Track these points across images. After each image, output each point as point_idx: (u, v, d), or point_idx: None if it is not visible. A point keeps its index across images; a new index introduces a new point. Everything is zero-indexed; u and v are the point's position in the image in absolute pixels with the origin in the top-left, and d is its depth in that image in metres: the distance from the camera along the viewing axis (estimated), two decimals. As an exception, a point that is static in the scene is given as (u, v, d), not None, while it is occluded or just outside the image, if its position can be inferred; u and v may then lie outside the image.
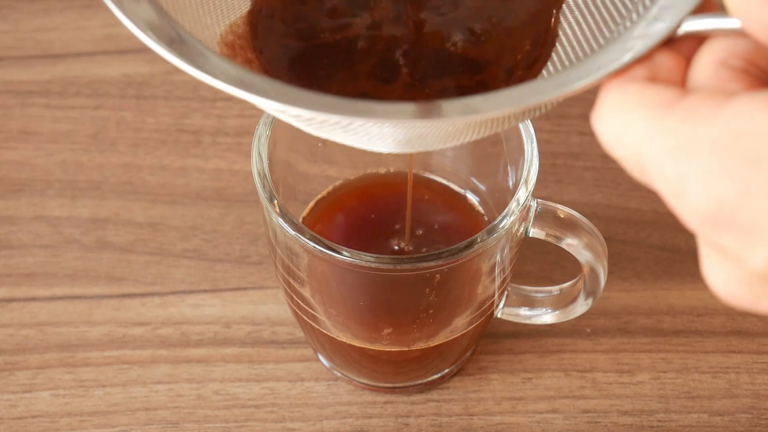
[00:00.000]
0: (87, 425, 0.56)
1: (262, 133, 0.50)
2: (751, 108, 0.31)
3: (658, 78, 0.34)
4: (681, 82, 0.35)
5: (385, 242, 0.56)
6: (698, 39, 0.35)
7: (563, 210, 0.51)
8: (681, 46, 0.35)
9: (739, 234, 0.31)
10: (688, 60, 0.35)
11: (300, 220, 0.56)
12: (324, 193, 0.57)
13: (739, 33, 0.34)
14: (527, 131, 0.51)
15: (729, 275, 0.32)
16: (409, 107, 0.35)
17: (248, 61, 0.42)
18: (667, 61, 0.35)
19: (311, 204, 0.57)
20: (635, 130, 0.33)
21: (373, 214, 0.57)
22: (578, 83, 0.35)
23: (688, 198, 0.31)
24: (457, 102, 0.35)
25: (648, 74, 0.34)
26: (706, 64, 0.34)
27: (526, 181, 0.49)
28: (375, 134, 0.38)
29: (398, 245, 0.56)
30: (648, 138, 0.32)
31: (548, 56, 0.42)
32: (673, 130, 0.32)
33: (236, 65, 0.38)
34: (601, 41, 0.39)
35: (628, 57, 0.35)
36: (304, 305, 0.52)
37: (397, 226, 0.56)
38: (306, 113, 0.35)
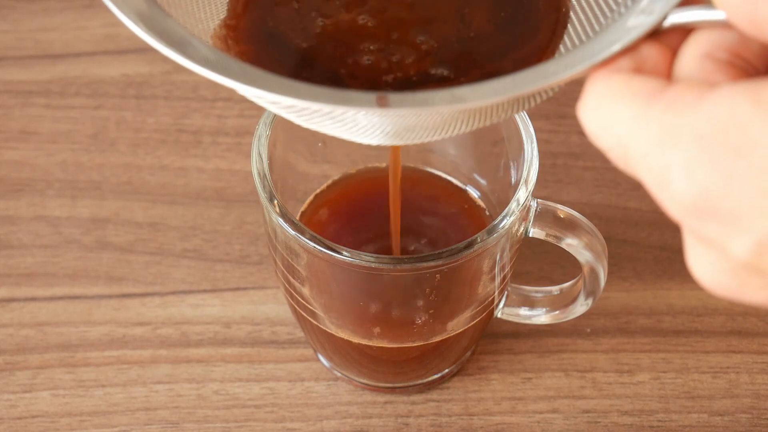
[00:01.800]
0: (87, 425, 0.56)
1: (262, 133, 0.50)
2: (734, 98, 0.31)
3: (643, 70, 0.35)
4: (667, 74, 0.35)
5: (383, 236, 0.56)
6: (684, 31, 0.35)
7: (563, 210, 0.51)
8: (667, 39, 0.35)
9: (721, 223, 0.31)
10: (673, 52, 0.35)
11: (299, 214, 0.56)
12: (323, 186, 0.57)
13: (724, 25, 0.34)
14: (527, 131, 0.51)
15: (713, 264, 0.32)
16: (392, 97, 0.35)
17: (240, 54, 0.42)
18: (652, 53, 0.35)
19: (310, 198, 0.57)
20: (620, 120, 0.33)
21: (372, 207, 0.57)
22: (564, 73, 0.35)
23: (671, 187, 0.32)
24: (443, 92, 0.35)
25: (634, 65, 0.35)
26: (691, 56, 0.34)
27: (526, 181, 0.49)
28: (363, 125, 0.38)
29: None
30: (632, 128, 0.32)
31: (557, 47, 0.42)
32: (657, 120, 0.32)
33: (227, 56, 0.38)
34: (591, 34, 0.39)
35: (614, 48, 0.35)
36: (304, 304, 0.52)
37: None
38: (289, 101, 0.35)
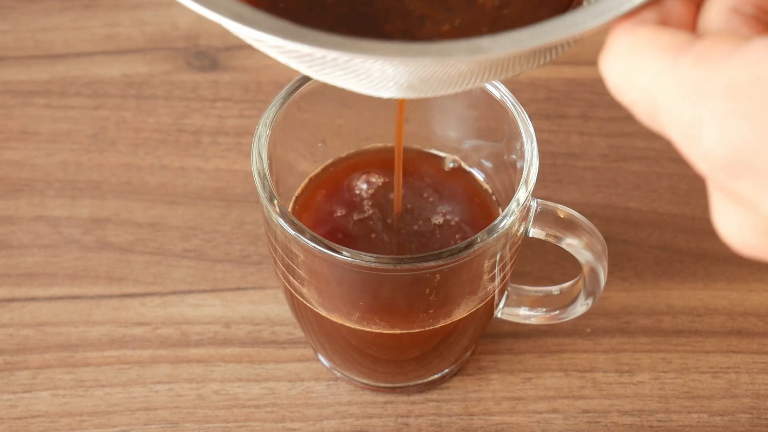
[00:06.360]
0: (87, 425, 0.56)
1: (262, 133, 0.50)
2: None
3: (668, 23, 0.34)
4: (691, 28, 0.34)
5: (380, 224, 0.55)
6: None
7: (563, 210, 0.51)
8: None
9: (755, 179, 0.30)
10: (698, 6, 0.34)
11: (293, 199, 0.56)
12: (318, 169, 0.57)
13: None
14: (527, 131, 0.51)
15: (742, 222, 0.32)
16: (411, 46, 0.35)
17: (254, 3, 0.41)
18: (677, 5, 0.34)
19: (304, 182, 0.57)
20: (646, 73, 0.32)
21: (368, 191, 0.56)
22: (587, 24, 0.34)
23: (701, 142, 0.31)
24: (461, 42, 0.34)
25: (658, 18, 0.34)
26: (717, 10, 0.34)
27: (526, 181, 0.49)
28: (377, 76, 0.37)
29: (389, 220, 0.55)
30: (660, 81, 0.32)
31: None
32: (687, 74, 0.31)
33: (242, 4, 0.37)
34: None
35: (639, 0, 0.34)
36: (303, 304, 0.52)
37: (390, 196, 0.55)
38: (307, 49, 0.34)
